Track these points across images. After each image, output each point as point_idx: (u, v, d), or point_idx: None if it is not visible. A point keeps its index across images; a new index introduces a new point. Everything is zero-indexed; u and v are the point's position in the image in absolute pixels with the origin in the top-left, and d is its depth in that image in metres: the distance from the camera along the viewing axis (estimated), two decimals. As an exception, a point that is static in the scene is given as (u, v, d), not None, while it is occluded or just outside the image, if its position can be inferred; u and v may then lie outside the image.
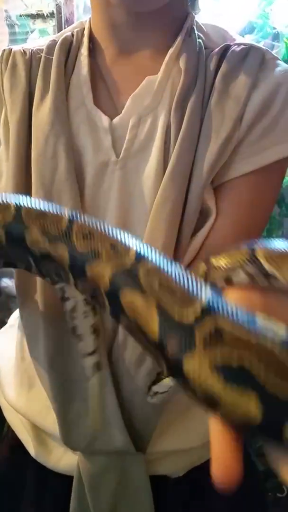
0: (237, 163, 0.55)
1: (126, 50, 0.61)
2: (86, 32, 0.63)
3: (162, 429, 0.64)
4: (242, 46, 0.60)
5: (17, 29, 1.46)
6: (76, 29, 0.65)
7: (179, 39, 0.59)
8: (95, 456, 0.63)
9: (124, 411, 0.61)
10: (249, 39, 1.41)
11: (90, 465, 0.62)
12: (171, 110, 0.56)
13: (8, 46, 1.58)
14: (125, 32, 0.60)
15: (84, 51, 0.62)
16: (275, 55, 0.61)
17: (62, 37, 0.63)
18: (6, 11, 1.49)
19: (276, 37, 1.39)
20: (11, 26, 1.48)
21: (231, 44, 0.60)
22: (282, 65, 0.59)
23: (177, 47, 0.59)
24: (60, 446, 0.65)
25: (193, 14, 0.63)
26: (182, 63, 0.58)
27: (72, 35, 0.64)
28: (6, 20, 1.49)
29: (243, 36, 1.45)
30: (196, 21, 0.63)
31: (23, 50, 0.63)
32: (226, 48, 0.60)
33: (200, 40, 0.61)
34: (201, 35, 0.62)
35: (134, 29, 0.59)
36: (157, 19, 0.58)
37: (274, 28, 1.38)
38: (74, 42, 0.62)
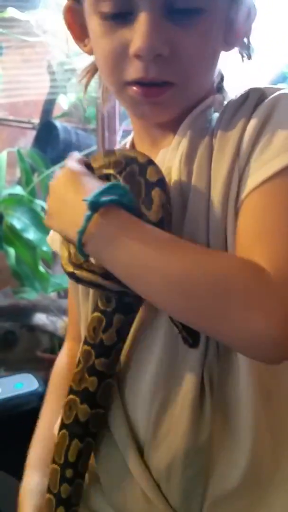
0: (244, 184, 0.55)
1: (151, 134, 0.65)
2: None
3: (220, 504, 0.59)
4: (242, 91, 0.61)
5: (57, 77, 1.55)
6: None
7: (190, 117, 0.61)
8: None
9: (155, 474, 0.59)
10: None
11: None
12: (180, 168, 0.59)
13: (48, 93, 1.68)
14: (153, 129, 0.65)
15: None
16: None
17: None
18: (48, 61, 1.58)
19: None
20: (52, 74, 1.57)
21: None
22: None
23: (185, 124, 0.60)
24: None
25: (219, 96, 0.64)
26: (187, 137, 0.59)
27: None
28: (48, 68, 1.58)
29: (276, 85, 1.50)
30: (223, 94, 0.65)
31: None
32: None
33: (217, 113, 0.62)
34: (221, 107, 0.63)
35: (160, 125, 0.64)
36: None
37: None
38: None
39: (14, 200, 1.60)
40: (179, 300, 0.49)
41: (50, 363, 1.50)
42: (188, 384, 0.57)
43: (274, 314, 0.46)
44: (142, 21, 0.53)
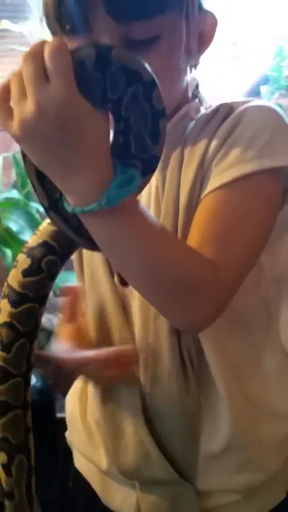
0: (203, 189, 0.62)
1: None
2: None
3: (212, 461, 0.69)
4: (214, 106, 0.66)
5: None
6: None
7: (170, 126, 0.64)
8: (150, 489, 0.71)
9: (158, 437, 0.69)
10: (264, 90, 1.53)
11: (147, 498, 0.71)
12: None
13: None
14: None
15: None
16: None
17: None
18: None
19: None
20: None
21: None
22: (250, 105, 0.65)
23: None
24: (122, 487, 0.73)
25: (195, 103, 0.68)
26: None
27: None
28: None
29: (259, 87, 1.57)
30: (199, 101, 0.69)
31: None
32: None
33: (193, 122, 0.67)
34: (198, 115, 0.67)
35: None
36: None
37: (289, 79, 1.49)
38: None
39: (11, 204, 1.65)
40: (148, 284, 0.55)
41: (47, 360, 1.56)
42: (170, 364, 0.66)
43: (212, 307, 0.56)
44: None
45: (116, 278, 0.69)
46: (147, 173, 0.52)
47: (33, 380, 1.33)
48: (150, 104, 0.49)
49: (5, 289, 0.58)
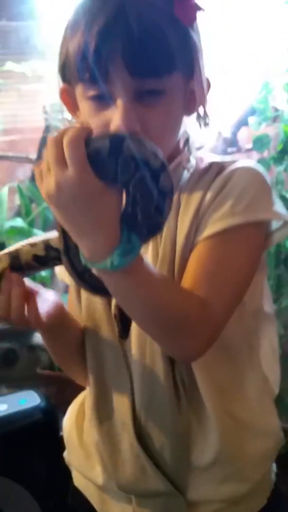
0: (198, 236, 0.71)
1: None
2: None
3: (201, 473, 0.76)
4: (206, 164, 0.75)
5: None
6: None
7: None
8: (145, 502, 0.78)
9: (152, 453, 0.76)
10: (252, 121, 1.62)
11: (142, 511, 0.78)
12: None
13: (43, 131, 1.85)
14: None
15: None
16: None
17: None
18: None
19: (276, 119, 1.58)
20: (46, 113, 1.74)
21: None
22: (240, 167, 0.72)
23: None
24: (119, 502, 0.80)
25: (186, 153, 0.76)
26: None
27: None
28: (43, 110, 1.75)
29: (247, 119, 1.65)
30: (189, 155, 0.76)
31: None
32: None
33: (185, 171, 0.75)
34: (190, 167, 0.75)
35: None
36: None
37: (277, 110, 1.57)
38: None
39: (16, 231, 1.74)
40: (149, 323, 0.66)
41: (49, 380, 1.62)
42: (164, 385, 0.74)
43: (204, 340, 0.65)
44: (118, 106, 0.65)
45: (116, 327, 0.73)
46: (151, 235, 0.62)
47: (37, 400, 1.40)
48: (156, 187, 0.58)
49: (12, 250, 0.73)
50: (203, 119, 0.76)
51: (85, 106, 0.70)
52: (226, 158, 0.77)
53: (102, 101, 0.67)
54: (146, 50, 0.64)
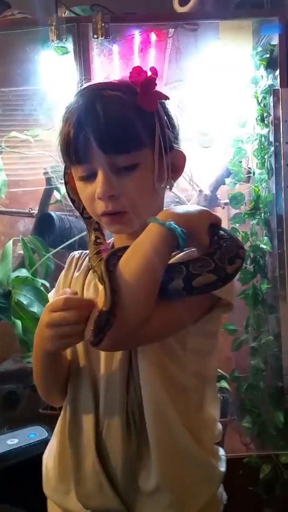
0: None
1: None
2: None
3: (147, 498, 0.84)
4: None
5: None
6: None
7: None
8: None
9: (110, 472, 0.85)
10: (228, 181, 1.84)
11: None
12: None
13: (44, 190, 2.04)
14: (125, 237, 0.91)
15: None
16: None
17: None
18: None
19: (248, 180, 1.81)
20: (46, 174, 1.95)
21: None
22: None
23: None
24: None
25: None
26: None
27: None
28: (44, 173, 1.96)
29: (224, 179, 1.87)
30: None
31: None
32: None
33: None
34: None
35: (128, 235, 0.89)
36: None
37: (249, 173, 1.80)
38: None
39: (20, 280, 1.88)
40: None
41: (51, 419, 1.74)
42: (118, 420, 0.85)
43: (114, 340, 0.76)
44: (99, 177, 0.81)
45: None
46: None
47: (45, 434, 1.53)
48: None
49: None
50: (169, 184, 0.88)
51: (78, 184, 0.87)
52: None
53: (90, 179, 0.83)
54: (113, 134, 0.79)
